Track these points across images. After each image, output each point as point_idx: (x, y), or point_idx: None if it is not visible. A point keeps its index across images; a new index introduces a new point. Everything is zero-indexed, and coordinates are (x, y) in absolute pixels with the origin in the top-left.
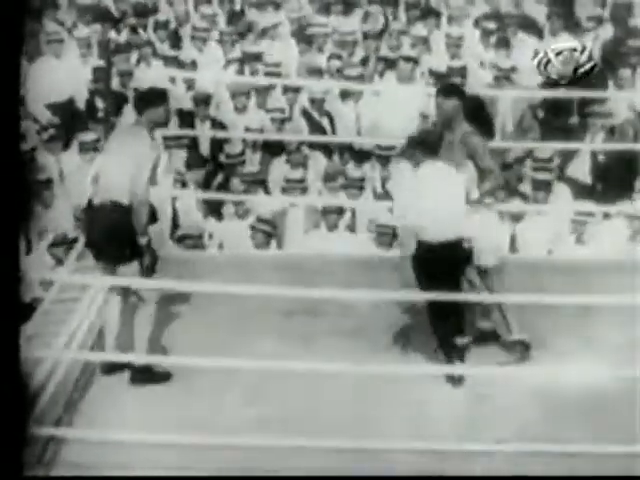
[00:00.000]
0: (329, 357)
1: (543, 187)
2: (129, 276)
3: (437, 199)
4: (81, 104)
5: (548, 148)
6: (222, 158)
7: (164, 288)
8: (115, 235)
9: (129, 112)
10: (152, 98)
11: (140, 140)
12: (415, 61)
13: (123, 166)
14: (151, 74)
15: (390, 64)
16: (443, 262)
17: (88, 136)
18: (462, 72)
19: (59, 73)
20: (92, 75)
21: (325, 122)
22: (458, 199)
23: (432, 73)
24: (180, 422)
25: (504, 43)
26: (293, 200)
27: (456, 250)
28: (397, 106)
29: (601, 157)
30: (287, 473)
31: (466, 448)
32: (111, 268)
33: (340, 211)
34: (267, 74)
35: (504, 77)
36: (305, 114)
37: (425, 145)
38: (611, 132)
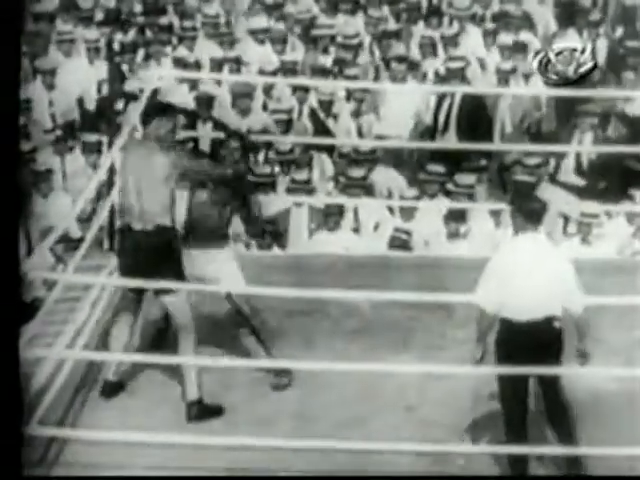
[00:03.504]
0: (331, 357)
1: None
2: (175, 308)
3: (534, 275)
4: (89, 105)
5: (538, 153)
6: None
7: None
8: (163, 260)
9: (133, 112)
10: (158, 110)
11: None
12: (408, 61)
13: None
14: (155, 74)
15: (387, 64)
16: (536, 345)
17: (92, 137)
18: (461, 73)
19: (68, 73)
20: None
21: (331, 124)
22: (561, 275)
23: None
24: (180, 422)
25: (505, 44)
26: (297, 200)
27: (548, 331)
28: (393, 107)
29: (592, 157)
30: (287, 473)
31: (466, 449)
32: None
33: (341, 211)
34: (285, 72)
35: (504, 79)
36: (312, 115)
37: (528, 212)
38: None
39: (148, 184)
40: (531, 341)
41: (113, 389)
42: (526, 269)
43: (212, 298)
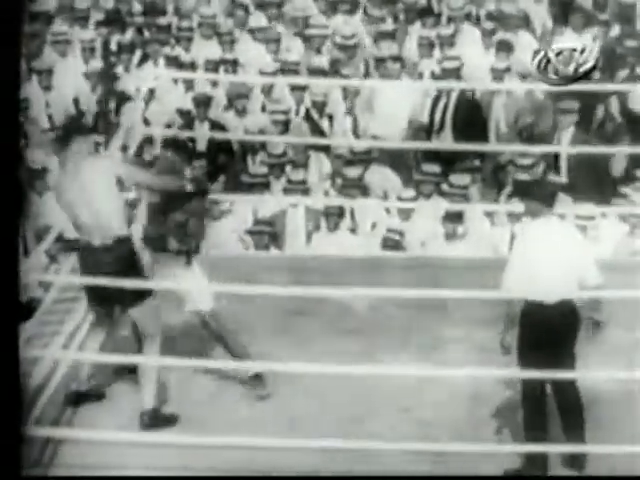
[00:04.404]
0: (328, 357)
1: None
2: (143, 319)
3: (554, 258)
4: (84, 105)
5: (530, 154)
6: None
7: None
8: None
9: (129, 112)
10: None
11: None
12: (402, 60)
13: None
14: (151, 75)
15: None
16: (559, 326)
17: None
18: (457, 73)
19: (64, 73)
20: (98, 77)
21: (325, 124)
22: (579, 252)
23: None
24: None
25: (505, 44)
26: (293, 201)
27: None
28: (388, 107)
29: (571, 154)
30: (287, 473)
31: (466, 448)
32: (118, 313)
33: (341, 212)
34: (285, 72)
35: (499, 78)
36: (307, 116)
37: (541, 195)
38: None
39: (97, 196)
40: (556, 321)
41: (80, 399)
42: (548, 252)
43: (177, 310)
